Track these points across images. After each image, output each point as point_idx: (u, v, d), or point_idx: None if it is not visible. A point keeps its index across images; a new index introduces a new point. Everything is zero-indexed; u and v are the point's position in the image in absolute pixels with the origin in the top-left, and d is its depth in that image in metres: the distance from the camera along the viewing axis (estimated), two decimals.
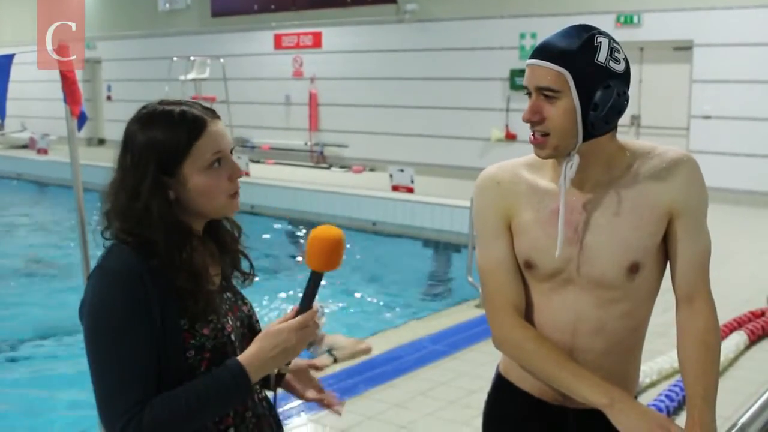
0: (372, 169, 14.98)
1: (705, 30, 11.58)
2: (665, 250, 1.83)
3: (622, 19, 12.32)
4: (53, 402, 5.59)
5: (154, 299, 1.53)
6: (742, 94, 11.41)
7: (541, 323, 1.88)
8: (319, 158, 16.11)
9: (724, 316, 5.62)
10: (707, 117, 11.75)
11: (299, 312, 1.64)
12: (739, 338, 5.27)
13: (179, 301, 1.56)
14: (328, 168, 15.56)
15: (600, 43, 1.70)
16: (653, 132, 12.35)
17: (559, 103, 1.71)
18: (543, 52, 1.73)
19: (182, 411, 1.51)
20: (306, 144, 16.53)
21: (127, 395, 1.49)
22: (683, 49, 11.97)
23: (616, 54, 1.71)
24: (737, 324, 5.55)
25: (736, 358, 5.12)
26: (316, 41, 16.42)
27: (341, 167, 15.48)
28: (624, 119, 12.27)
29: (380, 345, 5.70)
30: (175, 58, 16.42)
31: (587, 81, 1.69)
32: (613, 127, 1.76)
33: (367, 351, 5.48)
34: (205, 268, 1.64)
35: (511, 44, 13.39)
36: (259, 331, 1.76)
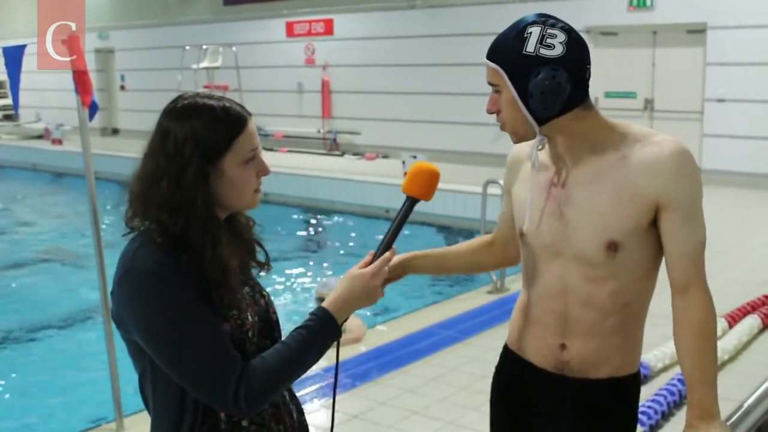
0: (385, 156, 14.98)
1: (718, 12, 11.48)
2: (657, 236, 1.84)
3: (635, 3, 12.22)
4: (71, 387, 5.66)
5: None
6: (757, 76, 11.31)
7: (537, 290, 1.98)
8: (332, 146, 16.12)
9: (739, 300, 5.61)
10: (721, 100, 11.66)
11: (381, 252, 1.76)
12: (752, 322, 5.25)
13: (205, 297, 1.59)
14: (341, 155, 15.57)
15: (530, 33, 1.77)
16: (667, 116, 12.27)
17: (503, 96, 1.83)
18: (488, 49, 1.85)
19: (281, 363, 1.59)
20: (319, 131, 16.54)
21: (227, 365, 1.55)
22: (697, 32, 11.88)
23: (549, 40, 1.75)
24: (751, 308, 5.53)
25: (749, 342, 5.10)
26: (328, 28, 16.40)
27: (354, 154, 15.49)
28: (637, 103, 12.32)
29: (393, 331, 5.73)
30: (187, 47, 16.45)
31: (519, 72, 1.77)
32: (563, 109, 1.78)
33: (357, 340, 5.50)
34: (231, 262, 1.67)
35: None
36: (276, 321, 1.79)
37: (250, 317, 1.68)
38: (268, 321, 1.76)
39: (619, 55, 12.27)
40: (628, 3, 12.27)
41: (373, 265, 1.73)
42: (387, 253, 1.76)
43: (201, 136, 1.60)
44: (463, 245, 2.27)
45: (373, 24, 15.65)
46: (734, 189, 10.49)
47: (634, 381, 1.98)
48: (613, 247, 1.82)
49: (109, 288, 1.67)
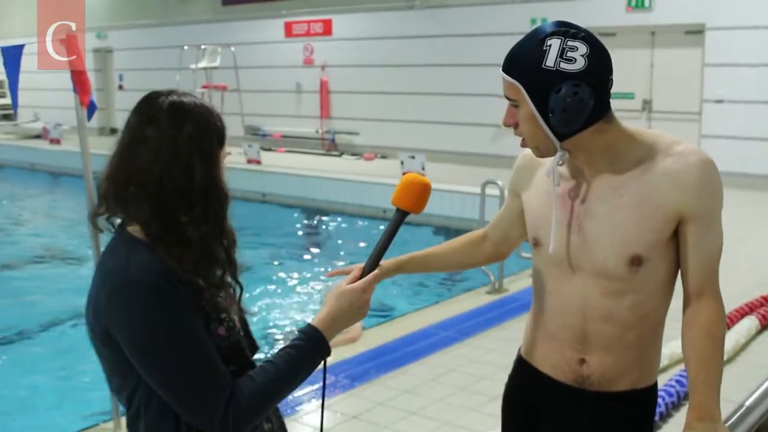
0: (383, 157, 14.98)
1: (717, 13, 11.49)
2: (676, 247, 1.81)
3: (633, 3, 12.24)
4: (68, 387, 5.66)
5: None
6: (755, 77, 11.32)
7: (554, 306, 1.93)
8: (330, 146, 16.11)
9: (737, 301, 5.60)
10: (719, 101, 11.67)
11: (370, 266, 1.73)
12: (750, 323, 5.25)
13: (196, 302, 1.56)
14: (340, 155, 15.56)
15: (549, 46, 1.69)
16: (665, 117, 12.29)
17: (522, 110, 1.76)
18: (504, 61, 1.76)
19: (269, 384, 1.55)
20: (317, 132, 16.54)
21: (216, 386, 1.51)
22: (695, 32, 11.89)
23: (569, 53, 1.68)
24: (749, 309, 5.53)
25: (747, 343, 5.10)
26: (327, 29, 16.40)
27: (352, 155, 15.49)
28: (636, 104, 12.31)
29: (391, 331, 5.72)
30: (185, 47, 16.44)
31: (538, 87, 1.70)
32: (585, 124, 1.73)
33: (353, 340, 5.49)
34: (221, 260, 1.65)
35: (521, 30, 13.24)
36: (246, 324, 1.76)
37: (236, 318, 1.67)
38: (243, 321, 1.74)
39: (617, 56, 12.00)
40: (626, 4, 12.28)
41: (363, 281, 1.70)
42: (376, 270, 1.73)
43: (213, 125, 1.60)
44: (452, 244, 2.24)
45: (371, 24, 15.64)
46: (732, 190, 10.42)
47: (651, 393, 1.96)
48: (636, 261, 1.79)
49: None
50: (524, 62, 1.71)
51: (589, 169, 1.82)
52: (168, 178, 1.54)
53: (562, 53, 1.68)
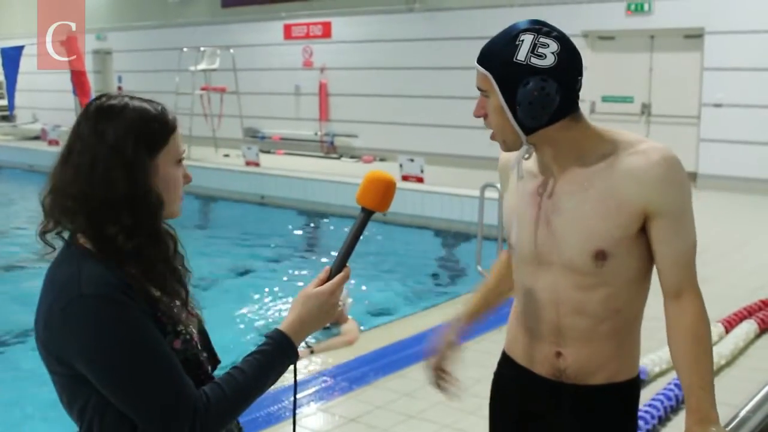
0: (382, 159, 14.98)
1: (716, 18, 11.51)
2: (646, 243, 1.83)
3: (632, 7, 12.24)
4: None
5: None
6: (754, 82, 11.33)
7: (530, 301, 1.97)
8: (329, 148, 16.12)
9: (735, 305, 5.61)
10: (718, 105, 11.69)
11: (337, 267, 1.68)
12: (749, 327, 5.25)
13: (151, 316, 1.52)
14: (339, 158, 15.56)
15: (522, 40, 1.74)
16: (664, 121, 12.29)
17: (491, 101, 1.80)
18: (479, 53, 1.82)
19: (236, 392, 1.53)
20: (316, 134, 16.54)
21: (183, 397, 1.47)
22: (694, 36, 11.90)
23: (541, 49, 1.72)
24: (748, 313, 5.53)
25: (746, 347, 5.10)
26: (326, 31, 16.41)
27: (351, 157, 15.49)
28: (634, 107, 12.33)
29: (390, 334, 5.72)
30: (185, 49, 16.43)
31: (507, 80, 1.75)
32: (551, 119, 1.75)
33: (351, 343, 5.49)
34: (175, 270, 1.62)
35: None
36: (207, 336, 1.72)
37: (194, 330, 1.63)
38: (203, 332, 1.70)
39: (616, 60, 12.29)
40: (626, 8, 12.29)
41: (330, 283, 1.66)
42: (343, 272, 1.68)
43: (143, 125, 1.54)
44: (495, 278, 2.23)
45: (371, 27, 15.65)
46: (730, 194, 10.50)
47: (632, 386, 1.98)
48: (600, 256, 1.81)
49: None
50: (497, 55, 1.77)
51: (556, 165, 1.86)
52: (89, 190, 1.51)
53: (533, 48, 1.73)
